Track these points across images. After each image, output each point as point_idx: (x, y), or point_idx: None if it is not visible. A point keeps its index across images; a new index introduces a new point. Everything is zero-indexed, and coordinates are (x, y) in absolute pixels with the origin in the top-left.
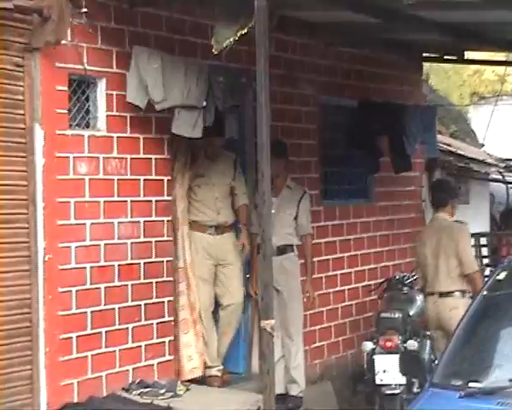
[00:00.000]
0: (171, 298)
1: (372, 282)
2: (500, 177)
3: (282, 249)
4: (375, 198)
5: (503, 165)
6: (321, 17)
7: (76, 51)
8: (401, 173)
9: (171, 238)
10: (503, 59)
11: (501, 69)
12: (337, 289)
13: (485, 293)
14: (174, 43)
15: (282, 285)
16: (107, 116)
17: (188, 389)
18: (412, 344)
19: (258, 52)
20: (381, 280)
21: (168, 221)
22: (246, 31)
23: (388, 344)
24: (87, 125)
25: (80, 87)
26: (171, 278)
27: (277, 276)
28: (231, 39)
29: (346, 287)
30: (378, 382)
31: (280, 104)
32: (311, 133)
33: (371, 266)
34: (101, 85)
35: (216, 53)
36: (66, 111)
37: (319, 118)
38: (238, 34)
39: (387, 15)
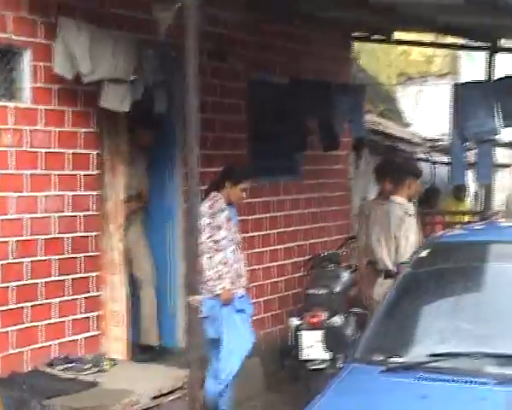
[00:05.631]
0: (97, 273)
1: (301, 258)
2: (425, 156)
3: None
4: (303, 176)
5: (429, 144)
6: None
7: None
8: (329, 152)
9: (98, 213)
10: (430, 40)
11: (428, 50)
12: (266, 265)
13: (408, 270)
14: (102, 15)
15: None
16: (33, 88)
17: (114, 364)
18: (337, 320)
19: (188, 26)
20: (309, 257)
21: (96, 195)
22: (180, 4)
23: (314, 320)
24: (12, 97)
25: (5, 57)
26: (98, 253)
27: None
28: (171, 17)
29: (275, 263)
30: (303, 357)
31: (210, 79)
32: (240, 109)
33: (300, 242)
34: (27, 56)
35: (162, 35)
36: None
37: (249, 94)
38: (175, 9)
39: None
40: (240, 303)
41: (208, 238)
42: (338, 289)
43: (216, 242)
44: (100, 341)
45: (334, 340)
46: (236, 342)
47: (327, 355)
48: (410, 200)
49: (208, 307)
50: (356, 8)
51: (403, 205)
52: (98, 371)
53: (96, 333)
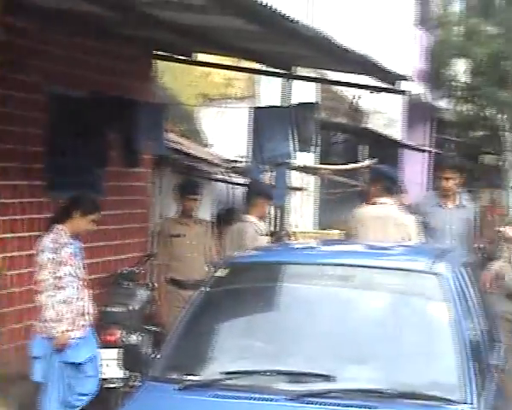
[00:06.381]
0: None
1: (99, 276)
2: (224, 177)
3: None
4: (104, 192)
5: (228, 166)
6: (56, 4)
7: None
8: (130, 168)
9: None
10: (231, 63)
11: (228, 73)
12: None
13: (205, 289)
14: None
15: None
16: None
17: None
18: (133, 338)
19: None
20: (107, 274)
21: None
22: None
23: (110, 338)
24: None
25: None
26: None
27: None
28: None
29: None
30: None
31: (6, 90)
32: (39, 122)
33: (99, 259)
34: None
35: None
36: None
37: (49, 107)
38: None
39: (121, 10)
40: (73, 352)
41: (50, 275)
42: (135, 306)
43: (59, 278)
44: None
45: (130, 358)
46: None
47: (122, 374)
48: (261, 219)
49: (42, 348)
50: (156, 28)
51: (254, 224)
52: None
53: None
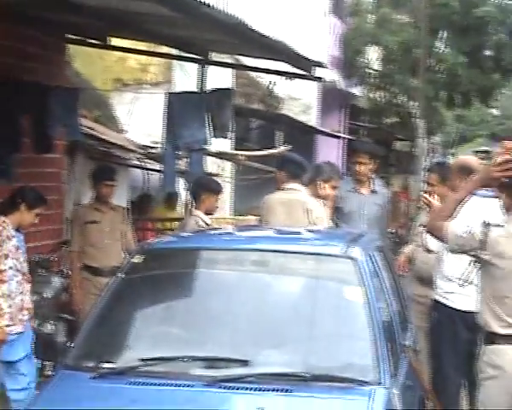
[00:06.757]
0: None
1: None
2: (139, 162)
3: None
4: (15, 179)
5: (143, 151)
6: None
7: None
8: (43, 154)
9: None
10: (146, 48)
11: (143, 58)
12: None
13: (121, 275)
14: None
15: None
16: None
17: None
18: (47, 327)
19: None
20: None
21: None
22: None
23: None
24: None
25: None
26: None
27: None
28: None
29: None
30: None
31: None
32: None
33: None
34: None
35: None
36: None
37: None
38: None
39: None
40: (10, 349)
41: None
42: (49, 294)
43: (1, 272)
44: None
45: (44, 347)
46: None
47: (36, 363)
48: (207, 213)
49: None
50: (69, 11)
51: (199, 217)
52: None
53: None
